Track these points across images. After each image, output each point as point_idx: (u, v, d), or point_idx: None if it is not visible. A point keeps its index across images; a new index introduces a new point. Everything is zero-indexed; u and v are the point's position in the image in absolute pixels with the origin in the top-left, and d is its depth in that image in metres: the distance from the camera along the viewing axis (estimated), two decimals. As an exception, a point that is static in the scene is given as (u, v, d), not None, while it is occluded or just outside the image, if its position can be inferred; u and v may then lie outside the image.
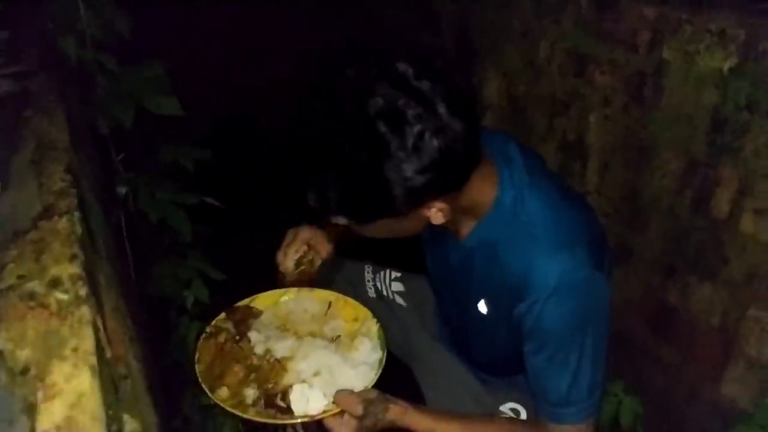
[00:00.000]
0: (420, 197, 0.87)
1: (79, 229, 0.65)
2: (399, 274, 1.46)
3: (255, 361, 1.07)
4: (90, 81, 1.19)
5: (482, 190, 0.94)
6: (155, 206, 1.29)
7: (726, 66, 1.02)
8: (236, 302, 1.18)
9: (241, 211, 1.94)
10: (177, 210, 1.32)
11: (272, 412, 0.99)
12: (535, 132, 1.52)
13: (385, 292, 1.44)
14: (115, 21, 1.16)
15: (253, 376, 1.05)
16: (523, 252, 0.92)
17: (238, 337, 1.10)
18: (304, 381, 1.03)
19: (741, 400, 1.13)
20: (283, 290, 1.21)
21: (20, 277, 0.59)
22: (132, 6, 1.18)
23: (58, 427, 0.44)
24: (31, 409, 0.46)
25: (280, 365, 1.06)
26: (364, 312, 1.16)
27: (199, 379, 1.00)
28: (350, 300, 1.19)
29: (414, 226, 0.95)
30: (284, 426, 1.23)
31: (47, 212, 0.67)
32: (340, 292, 1.21)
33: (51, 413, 0.46)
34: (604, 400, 1.17)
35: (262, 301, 1.19)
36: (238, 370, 1.04)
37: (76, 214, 0.67)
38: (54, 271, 0.59)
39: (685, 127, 1.11)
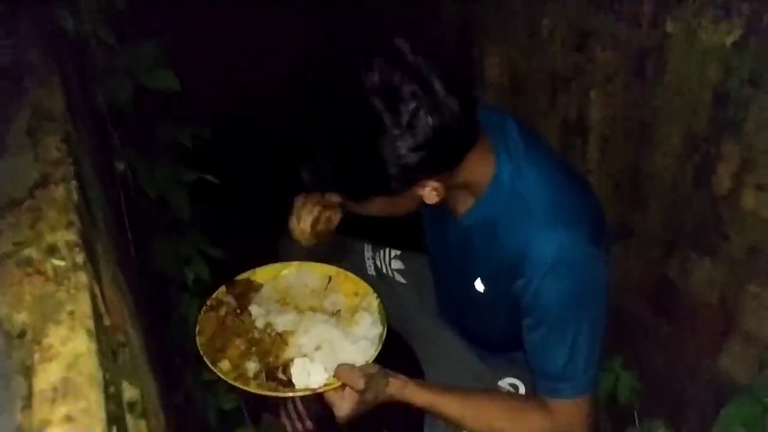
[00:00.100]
0: (414, 175, 0.87)
1: (75, 198, 0.65)
2: (398, 253, 1.47)
3: (256, 334, 1.08)
4: (88, 56, 1.18)
5: (479, 168, 0.93)
6: (154, 183, 1.29)
7: (729, 40, 1.01)
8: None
9: (240, 189, 1.94)
10: (176, 187, 1.32)
11: (273, 385, 1.00)
12: (536, 109, 1.51)
13: (384, 270, 1.44)
14: (114, -4, 1.15)
15: (254, 349, 1.06)
16: (520, 229, 0.92)
17: (238, 311, 1.11)
18: (305, 355, 1.03)
19: (738, 375, 1.13)
20: (283, 264, 1.22)
21: (16, 244, 0.59)
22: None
23: (54, 388, 0.45)
24: (28, 371, 0.46)
25: (281, 339, 1.07)
26: (364, 287, 1.17)
27: (201, 352, 1.01)
28: (350, 275, 1.19)
29: (408, 205, 0.95)
30: (284, 399, 1.24)
31: (43, 181, 0.66)
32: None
33: (47, 375, 0.46)
34: (602, 376, 1.17)
35: (262, 274, 1.19)
36: (239, 343, 1.05)
37: (73, 182, 0.67)
38: (50, 238, 0.59)
39: (687, 102, 1.10)
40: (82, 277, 0.54)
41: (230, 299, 1.13)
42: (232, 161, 1.84)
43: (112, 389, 0.48)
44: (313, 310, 1.14)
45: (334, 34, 2.55)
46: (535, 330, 0.96)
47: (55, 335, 0.49)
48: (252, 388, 0.99)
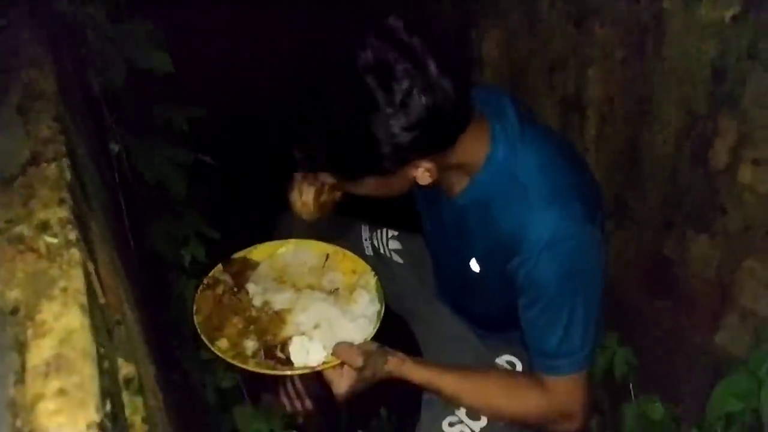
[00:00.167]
0: (406, 155, 0.86)
1: (68, 175, 0.64)
2: (396, 233, 1.47)
3: (254, 313, 1.08)
4: (82, 38, 1.16)
5: (474, 148, 0.93)
6: (150, 165, 1.28)
7: (728, 15, 1.00)
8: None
9: (237, 170, 1.94)
10: (172, 169, 1.32)
11: (272, 363, 1.00)
12: (533, 88, 1.49)
13: (382, 250, 1.45)
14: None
15: (252, 327, 1.06)
16: (515, 208, 0.91)
17: (235, 289, 1.11)
18: (303, 333, 1.04)
19: (735, 350, 1.14)
20: (280, 242, 1.22)
21: (8, 221, 0.58)
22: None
23: (47, 363, 0.45)
24: (21, 347, 0.46)
25: (278, 317, 1.07)
26: (362, 265, 1.17)
27: (198, 330, 1.01)
28: (348, 253, 1.19)
29: (401, 186, 0.94)
30: (283, 378, 1.25)
31: (35, 159, 0.66)
32: (336, 249, 1.22)
33: (41, 350, 0.46)
34: (599, 352, 1.18)
35: (259, 252, 1.19)
36: (237, 321, 1.05)
37: (65, 160, 0.66)
38: (42, 215, 0.59)
39: (685, 78, 1.09)
40: (75, 254, 0.54)
41: (227, 278, 1.13)
42: (229, 142, 1.83)
43: (106, 364, 0.48)
44: (311, 288, 1.14)
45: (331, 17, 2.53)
46: (531, 309, 0.96)
47: (48, 311, 0.49)
48: (250, 367, 0.99)
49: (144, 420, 0.59)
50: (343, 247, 1.22)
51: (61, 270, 0.53)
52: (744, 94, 1.00)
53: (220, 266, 1.14)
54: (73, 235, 0.57)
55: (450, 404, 1.09)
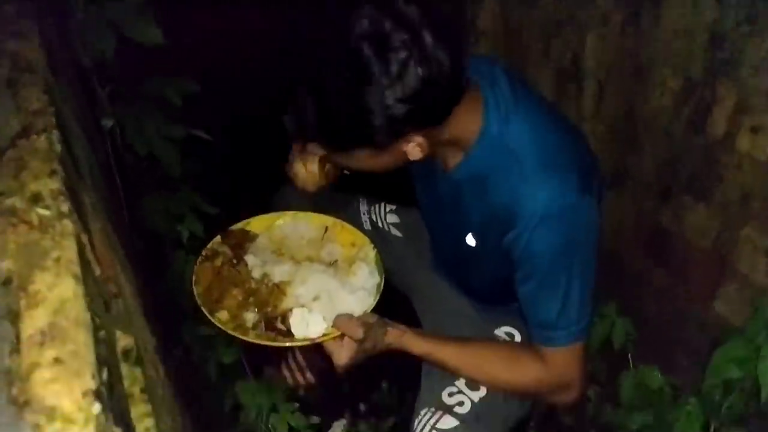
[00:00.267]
0: (400, 128, 0.85)
1: (58, 147, 0.63)
2: (394, 207, 1.46)
3: (253, 285, 1.08)
4: (69, 9, 1.14)
5: (467, 121, 0.92)
6: (143, 140, 1.27)
7: (727, -21, 0.98)
8: (231, 230, 1.17)
9: (232, 144, 1.92)
10: (166, 143, 1.30)
11: (272, 335, 1.01)
12: (530, 57, 1.47)
13: (380, 224, 1.44)
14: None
15: (251, 299, 1.06)
16: (510, 181, 0.91)
17: (235, 261, 1.11)
18: (303, 305, 1.04)
19: (732, 319, 1.15)
20: (278, 213, 1.21)
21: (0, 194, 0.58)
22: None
23: (42, 333, 0.44)
24: (14, 318, 0.46)
25: (278, 289, 1.07)
26: (361, 237, 1.16)
27: (198, 302, 1.01)
28: (347, 225, 1.19)
29: (393, 160, 0.93)
30: (285, 352, 1.25)
31: (25, 131, 0.65)
32: (334, 223, 1.21)
33: (34, 320, 0.45)
34: (597, 322, 1.18)
35: (257, 224, 1.18)
36: (236, 293, 1.05)
37: (55, 132, 0.65)
38: (33, 187, 0.58)
39: (683, 44, 1.08)
40: (68, 225, 0.54)
41: (226, 249, 1.12)
42: (224, 117, 1.81)
43: (102, 334, 0.48)
44: (310, 260, 1.14)
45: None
46: (528, 281, 0.96)
47: (41, 281, 0.48)
48: (251, 338, 0.99)
49: (143, 390, 0.59)
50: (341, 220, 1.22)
51: (54, 241, 0.52)
52: (743, 59, 0.99)
53: (218, 238, 1.14)
54: (65, 207, 0.56)
55: (450, 375, 1.09)
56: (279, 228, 1.19)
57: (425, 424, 1.05)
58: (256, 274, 1.09)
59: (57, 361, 0.42)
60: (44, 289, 0.47)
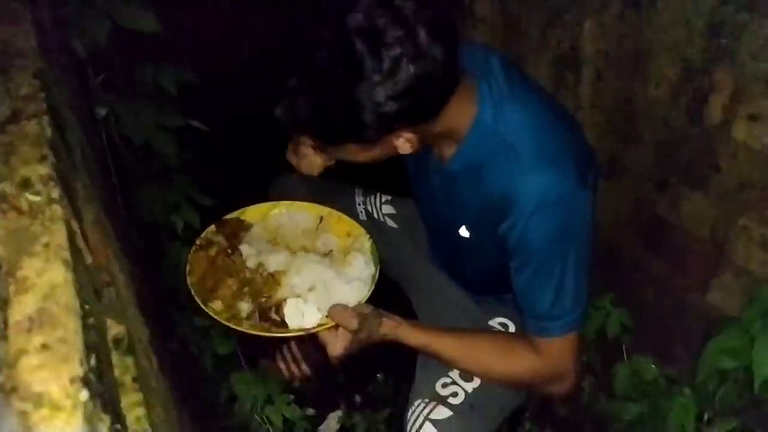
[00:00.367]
0: (391, 124, 0.84)
1: (48, 132, 0.62)
2: (389, 198, 1.46)
3: (248, 274, 1.07)
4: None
5: (461, 112, 0.91)
6: (137, 129, 1.26)
7: (726, -35, 0.97)
8: (226, 221, 1.17)
9: (228, 134, 1.91)
10: (161, 133, 1.30)
11: (267, 325, 1.00)
12: (528, 44, 1.46)
13: (375, 215, 1.44)
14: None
15: (246, 289, 1.05)
16: (505, 171, 0.90)
17: (229, 251, 1.10)
18: (298, 295, 1.03)
19: (728, 309, 1.15)
20: (273, 203, 1.20)
21: (-11, 179, 0.57)
22: None
23: (30, 319, 0.44)
24: (3, 303, 0.46)
25: (273, 279, 1.06)
26: (356, 228, 1.16)
27: (192, 292, 1.00)
28: (342, 216, 1.18)
29: (383, 153, 0.92)
30: (280, 343, 1.25)
31: (15, 116, 0.64)
32: (330, 214, 1.21)
33: (23, 306, 0.45)
34: (593, 313, 1.18)
35: (252, 213, 1.18)
36: (231, 283, 1.04)
37: (46, 118, 0.65)
38: (23, 172, 0.57)
39: (681, 31, 1.07)
40: (58, 210, 0.53)
41: (220, 239, 1.12)
42: (220, 106, 1.80)
43: (91, 321, 0.48)
44: (305, 250, 1.14)
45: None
46: (522, 271, 0.95)
47: (30, 267, 0.48)
48: (245, 328, 0.99)
49: (135, 379, 0.58)
50: (337, 210, 1.21)
51: (43, 226, 0.51)
52: (740, 46, 0.98)
53: (213, 227, 1.13)
54: (55, 193, 0.56)
55: (444, 366, 1.09)
56: (274, 217, 1.19)
57: (419, 415, 1.05)
58: (251, 263, 1.09)
59: (45, 347, 0.41)
60: (33, 275, 0.47)
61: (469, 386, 1.09)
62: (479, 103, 0.91)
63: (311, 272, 1.06)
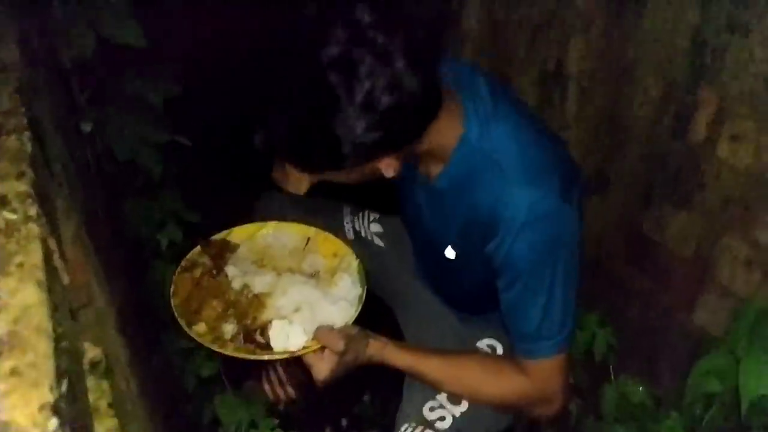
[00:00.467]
0: (370, 153, 0.84)
1: (29, 148, 0.61)
2: (377, 216, 1.45)
3: (232, 296, 1.05)
4: (47, 8, 1.12)
5: (446, 131, 0.91)
6: (122, 143, 1.24)
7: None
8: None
9: (213, 151, 1.89)
10: (146, 148, 1.28)
11: (251, 347, 0.98)
12: (514, 60, 1.48)
13: (363, 234, 1.43)
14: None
15: (231, 311, 1.03)
16: (490, 189, 0.90)
17: (214, 272, 1.08)
18: (284, 317, 1.02)
19: (713, 329, 1.14)
20: (260, 224, 1.19)
21: (-36, 196, 0.55)
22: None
23: (1, 341, 0.42)
24: (-27, 325, 0.44)
25: (258, 300, 1.05)
26: (343, 248, 1.15)
27: (175, 314, 0.98)
28: (329, 236, 1.17)
29: (366, 176, 0.92)
30: (266, 365, 1.23)
31: (-6, 132, 0.63)
32: (317, 232, 1.19)
33: (-6, 328, 0.43)
34: (579, 334, 1.18)
35: (238, 234, 1.16)
36: (215, 305, 1.03)
37: (26, 133, 0.63)
38: (0, 189, 0.55)
39: (665, 49, 1.08)
40: (34, 229, 0.51)
41: (206, 260, 1.10)
42: (206, 120, 1.79)
43: (65, 344, 0.46)
44: (292, 271, 1.12)
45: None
46: (509, 290, 0.95)
47: (3, 287, 0.46)
48: (229, 351, 0.97)
49: (111, 405, 0.57)
50: (324, 229, 1.20)
51: (19, 245, 0.50)
52: (723, 66, 0.99)
53: (198, 248, 1.12)
54: (32, 210, 0.54)
55: (431, 388, 1.08)
56: (261, 238, 1.17)
57: (406, 440, 1.04)
58: (237, 284, 1.07)
59: (14, 372, 0.40)
60: (5, 296, 0.45)
61: (457, 410, 1.07)
62: (465, 122, 0.91)
63: (297, 293, 1.05)
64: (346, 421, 1.63)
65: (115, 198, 1.37)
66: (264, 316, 1.03)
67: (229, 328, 1.02)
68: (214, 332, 1.00)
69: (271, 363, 1.21)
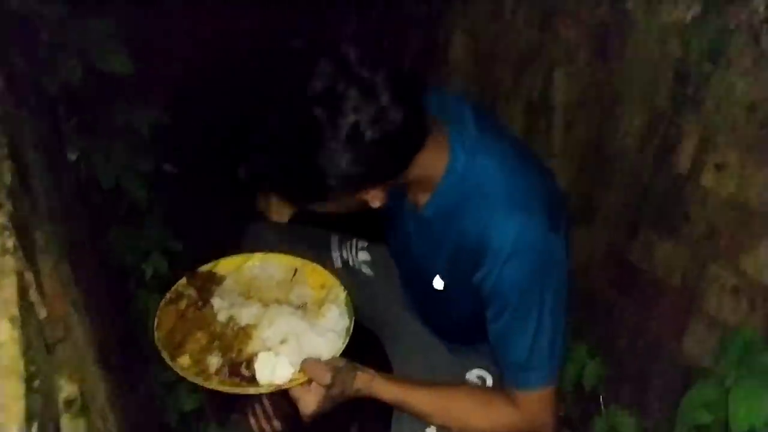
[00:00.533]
0: (356, 186, 0.85)
1: (7, 180, 0.60)
2: (366, 244, 1.44)
3: (218, 328, 1.04)
4: (34, 35, 1.12)
5: (432, 161, 0.91)
6: (108, 172, 1.23)
7: (689, 16, 1.01)
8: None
9: (200, 179, 1.88)
10: (132, 176, 1.28)
11: (237, 381, 0.96)
12: (500, 90, 1.50)
13: (351, 263, 1.41)
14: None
15: (216, 343, 1.01)
16: (477, 219, 0.90)
17: (200, 304, 1.06)
18: (269, 349, 1.00)
19: (701, 358, 1.14)
20: (246, 255, 1.18)
21: (-60, 229, 0.54)
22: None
23: (-30, 382, 0.40)
24: (-58, 364, 0.42)
25: (244, 333, 1.03)
26: (331, 279, 1.14)
27: (159, 347, 0.96)
28: (317, 267, 1.16)
29: (351, 207, 0.92)
30: (251, 398, 1.20)
31: (-28, 162, 0.62)
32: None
33: (-36, 367, 0.42)
34: (568, 365, 1.17)
35: (224, 266, 1.15)
36: (200, 337, 1.01)
37: (7, 164, 0.62)
38: (-24, 221, 0.54)
39: (648, 80, 1.10)
40: (10, 262, 0.50)
41: (191, 291, 1.08)
42: (192, 151, 1.78)
43: (37, 382, 0.44)
44: (279, 302, 1.11)
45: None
46: (498, 320, 0.94)
47: (-25, 325, 0.44)
48: (213, 385, 0.94)
49: (86, 443, 0.55)
50: (312, 258, 1.19)
51: (-7, 280, 0.48)
52: (706, 96, 1.01)
53: (184, 280, 1.10)
54: (10, 243, 0.53)
55: (420, 421, 1.06)
56: (248, 269, 1.16)
57: (395, 471, 1.01)
58: (222, 317, 1.06)
59: (-18, 414, 0.38)
60: (-23, 333, 0.44)
61: (446, 443, 1.05)
62: (451, 152, 0.91)
63: (284, 324, 1.03)
64: (333, 454, 1.59)
65: (100, 227, 1.36)
66: (250, 349, 1.01)
67: (214, 361, 1.00)
68: (199, 365, 0.98)
69: (257, 396, 1.19)
